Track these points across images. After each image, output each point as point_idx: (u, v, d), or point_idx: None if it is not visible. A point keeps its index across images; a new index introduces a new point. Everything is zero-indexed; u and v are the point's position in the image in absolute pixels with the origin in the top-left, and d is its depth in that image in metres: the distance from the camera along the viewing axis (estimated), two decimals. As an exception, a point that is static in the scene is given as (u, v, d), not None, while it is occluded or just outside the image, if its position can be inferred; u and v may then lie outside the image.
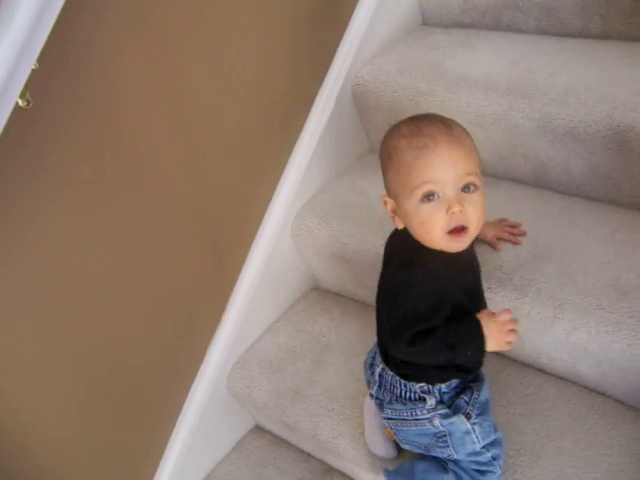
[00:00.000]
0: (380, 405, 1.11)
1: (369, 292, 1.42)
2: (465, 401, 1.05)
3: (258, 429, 1.53)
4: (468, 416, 1.04)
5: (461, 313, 0.99)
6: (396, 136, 0.98)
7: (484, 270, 1.16)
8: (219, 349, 1.40)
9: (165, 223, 1.22)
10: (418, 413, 1.05)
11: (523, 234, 1.23)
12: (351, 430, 1.24)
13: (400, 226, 1.01)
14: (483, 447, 1.05)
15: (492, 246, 1.22)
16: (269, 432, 1.51)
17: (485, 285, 1.16)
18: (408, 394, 1.06)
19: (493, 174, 1.39)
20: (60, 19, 0.83)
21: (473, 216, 0.94)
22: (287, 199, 1.42)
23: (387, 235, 1.27)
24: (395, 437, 1.11)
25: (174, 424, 1.37)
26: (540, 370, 1.24)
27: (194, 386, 1.38)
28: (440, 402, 1.05)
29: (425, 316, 0.96)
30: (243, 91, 1.28)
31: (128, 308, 1.20)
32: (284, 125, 1.40)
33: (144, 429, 1.32)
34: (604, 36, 1.39)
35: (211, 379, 1.40)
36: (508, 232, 1.24)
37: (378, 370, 1.10)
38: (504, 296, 1.16)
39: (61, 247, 1.05)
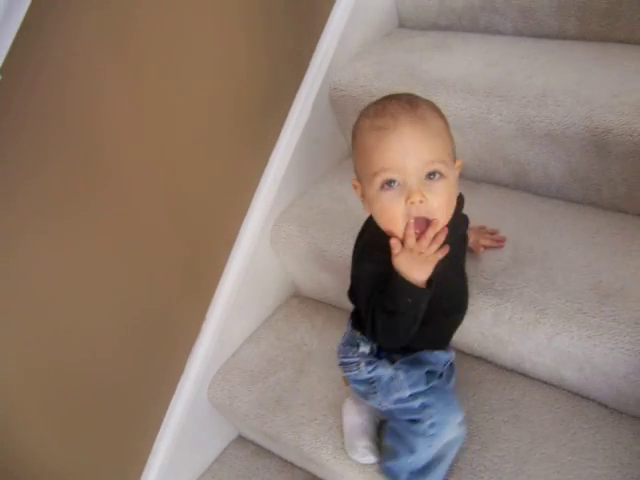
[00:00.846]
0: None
1: (350, 299, 1.41)
2: (394, 355, 1.07)
3: (241, 439, 1.51)
4: (392, 360, 1.06)
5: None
6: (362, 116, 0.94)
7: (465, 276, 1.16)
8: (199, 360, 1.38)
9: (141, 233, 1.20)
10: (350, 355, 1.09)
11: (502, 240, 1.22)
12: (334, 440, 1.22)
13: (369, 211, 0.96)
14: (411, 395, 1.05)
15: (473, 251, 1.21)
16: (252, 442, 1.49)
17: (466, 291, 1.16)
18: (351, 339, 1.10)
19: (472, 177, 1.38)
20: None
21: (437, 205, 0.88)
22: (265, 206, 1.40)
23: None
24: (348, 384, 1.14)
25: (155, 437, 1.35)
26: (523, 375, 1.24)
27: (174, 398, 1.36)
28: (373, 354, 1.08)
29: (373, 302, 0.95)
30: (218, 99, 1.26)
31: (105, 320, 1.18)
32: (261, 132, 1.38)
33: (125, 442, 1.30)
34: (581, 37, 1.39)
35: (192, 390, 1.38)
36: (490, 238, 1.22)
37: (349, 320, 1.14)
38: (485, 301, 1.15)
39: (37, 261, 1.04)
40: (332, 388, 1.30)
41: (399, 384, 1.05)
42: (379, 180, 0.88)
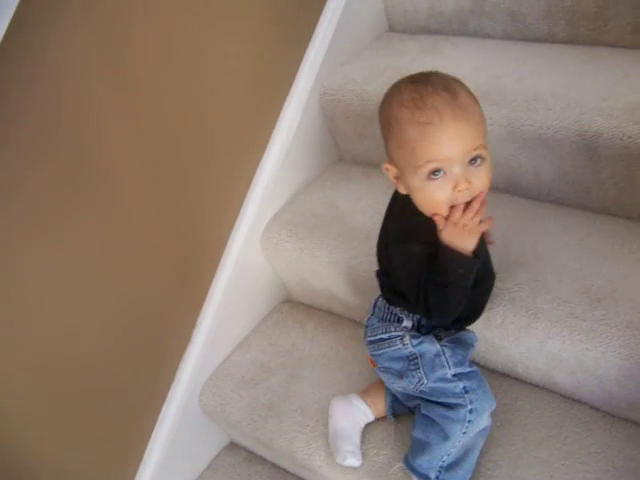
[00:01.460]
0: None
1: (342, 304, 1.41)
2: (440, 331, 1.09)
3: (233, 446, 1.50)
4: (439, 338, 1.07)
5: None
6: (397, 104, 0.92)
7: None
8: (190, 366, 1.37)
9: (132, 239, 1.19)
10: (392, 330, 1.08)
11: (492, 242, 1.22)
12: (326, 446, 1.21)
13: (403, 192, 0.97)
14: (454, 375, 1.05)
15: None
16: (244, 448, 1.48)
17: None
18: (389, 316, 1.10)
19: (463, 181, 1.38)
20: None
21: (480, 187, 0.91)
22: (256, 211, 1.40)
23: (359, 246, 1.26)
24: (375, 365, 1.14)
25: (146, 444, 1.34)
26: (516, 379, 1.24)
27: (166, 405, 1.35)
28: (415, 328, 1.08)
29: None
30: (208, 103, 1.25)
31: (96, 327, 1.17)
32: (251, 136, 1.37)
33: (115, 449, 1.28)
34: (570, 41, 1.39)
35: (183, 397, 1.37)
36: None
37: (377, 300, 1.14)
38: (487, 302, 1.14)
39: (31, 265, 1.03)
40: (324, 394, 1.30)
41: (445, 361, 1.06)
42: (425, 171, 0.90)
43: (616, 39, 1.34)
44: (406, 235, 1.00)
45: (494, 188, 1.34)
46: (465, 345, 1.10)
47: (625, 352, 1.03)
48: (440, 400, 1.06)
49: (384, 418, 1.21)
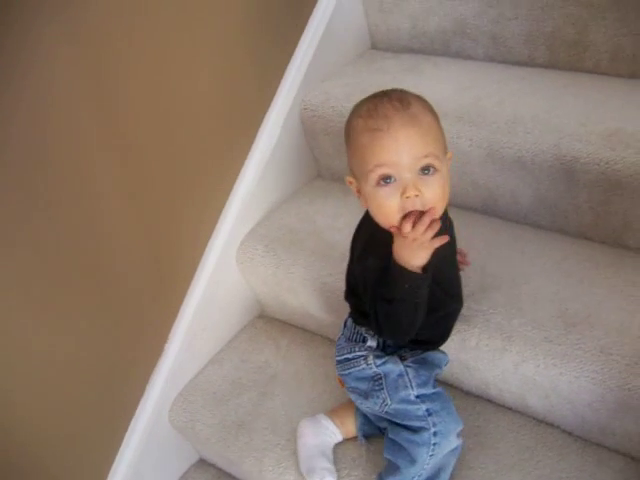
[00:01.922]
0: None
1: (316, 321, 1.40)
2: (405, 351, 1.09)
3: (202, 463, 1.47)
4: (403, 358, 1.07)
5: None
6: (355, 116, 0.95)
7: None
8: (161, 381, 1.34)
9: (107, 249, 1.17)
10: (356, 349, 1.09)
11: (467, 264, 1.22)
12: (297, 465, 1.19)
13: (364, 206, 0.98)
14: (417, 397, 1.04)
15: None
16: (213, 466, 1.45)
17: (433, 316, 1.15)
18: (355, 335, 1.11)
19: (442, 201, 1.38)
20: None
21: (431, 198, 0.90)
22: (232, 225, 1.38)
23: (335, 264, 1.25)
24: (343, 385, 1.14)
25: (114, 459, 1.31)
26: (490, 401, 1.23)
27: (134, 420, 1.32)
28: (380, 348, 1.09)
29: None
30: (187, 114, 1.24)
31: (64, 336, 1.14)
32: (230, 149, 1.36)
33: (82, 464, 1.25)
34: (550, 65, 1.41)
35: (153, 412, 1.34)
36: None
37: (347, 320, 1.14)
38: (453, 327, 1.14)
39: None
40: (296, 412, 1.28)
41: (407, 381, 1.05)
42: (374, 176, 0.90)
43: (594, 66, 1.36)
44: (367, 250, 1.01)
45: (472, 209, 1.36)
46: (430, 366, 1.09)
47: (598, 377, 1.03)
48: (404, 423, 1.06)
49: (356, 438, 1.20)
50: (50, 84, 1.00)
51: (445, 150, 0.95)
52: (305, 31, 1.45)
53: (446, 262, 1.04)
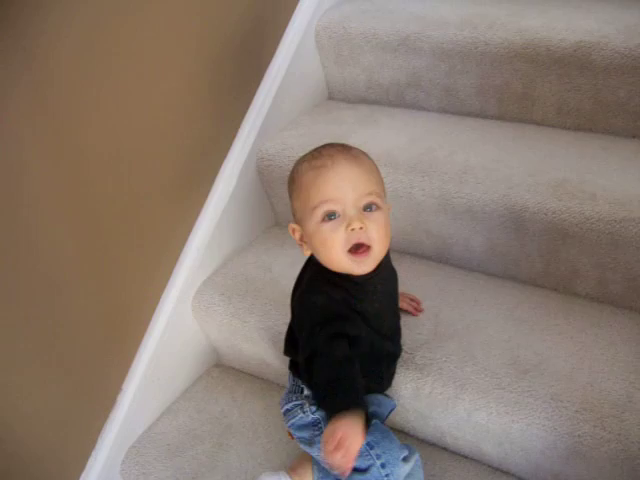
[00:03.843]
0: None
1: (272, 370, 1.38)
2: None
3: (155, 517, 1.43)
4: None
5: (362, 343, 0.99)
6: (299, 162, 1.00)
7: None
8: (113, 433, 1.31)
9: (55, 299, 1.15)
10: (294, 399, 1.09)
11: (420, 310, 1.24)
12: (252, 520, 1.17)
13: (307, 253, 1.01)
14: None
15: None
16: (167, 520, 1.41)
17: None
18: (294, 387, 1.12)
19: (396, 249, 1.38)
20: None
21: (375, 234, 0.94)
22: (188, 274, 1.37)
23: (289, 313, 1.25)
24: (292, 437, 1.13)
25: (61, 518, 1.27)
26: (445, 449, 1.23)
27: (85, 473, 1.28)
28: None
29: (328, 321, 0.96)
30: (144, 163, 1.24)
31: (15, 386, 1.11)
32: (185, 197, 1.36)
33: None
34: (500, 117, 1.46)
35: (104, 466, 1.30)
36: (408, 302, 1.24)
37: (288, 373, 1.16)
38: (406, 376, 1.14)
39: None
40: (251, 463, 1.26)
41: None
42: (319, 212, 0.93)
43: (542, 118, 1.41)
44: (309, 287, 1.02)
45: (426, 257, 1.38)
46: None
47: (549, 424, 1.04)
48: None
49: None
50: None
51: (384, 196, 0.99)
52: (263, 81, 1.47)
53: (388, 307, 1.08)
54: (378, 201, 0.95)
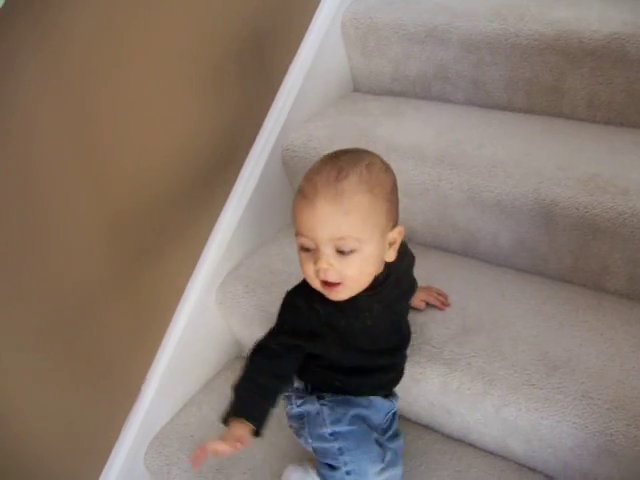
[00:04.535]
0: None
1: (296, 363, 1.37)
2: (325, 393, 1.09)
3: (178, 508, 1.43)
4: (320, 397, 1.08)
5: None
6: (307, 171, 0.96)
7: (414, 344, 1.14)
8: (137, 424, 1.31)
9: (83, 288, 1.15)
10: (288, 390, 1.12)
11: (448, 305, 1.23)
12: (276, 512, 1.17)
13: None
14: (331, 434, 1.05)
15: (416, 309, 1.21)
16: (189, 512, 1.41)
17: (415, 359, 1.14)
18: None
19: (422, 243, 1.38)
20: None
21: (349, 272, 0.92)
22: (212, 265, 1.37)
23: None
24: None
25: (86, 506, 1.27)
26: (471, 445, 1.22)
27: (108, 465, 1.29)
28: (307, 391, 1.10)
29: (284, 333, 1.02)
30: (167, 154, 1.24)
31: (38, 378, 1.11)
32: (210, 189, 1.35)
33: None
34: (528, 110, 1.43)
35: (127, 456, 1.30)
36: (434, 297, 1.23)
37: None
38: (434, 370, 1.13)
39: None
40: (275, 455, 1.26)
41: (322, 419, 1.06)
42: (298, 241, 0.94)
43: (571, 112, 1.39)
44: (288, 293, 1.06)
45: (453, 251, 1.37)
46: (349, 405, 1.07)
47: (579, 422, 1.03)
48: (325, 461, 1.07)
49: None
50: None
51: (381, 229, 0.93)
52: (288, 73, 1.47)
53: (388, 318, 1.06)
54: (353, 244, 0.90)
